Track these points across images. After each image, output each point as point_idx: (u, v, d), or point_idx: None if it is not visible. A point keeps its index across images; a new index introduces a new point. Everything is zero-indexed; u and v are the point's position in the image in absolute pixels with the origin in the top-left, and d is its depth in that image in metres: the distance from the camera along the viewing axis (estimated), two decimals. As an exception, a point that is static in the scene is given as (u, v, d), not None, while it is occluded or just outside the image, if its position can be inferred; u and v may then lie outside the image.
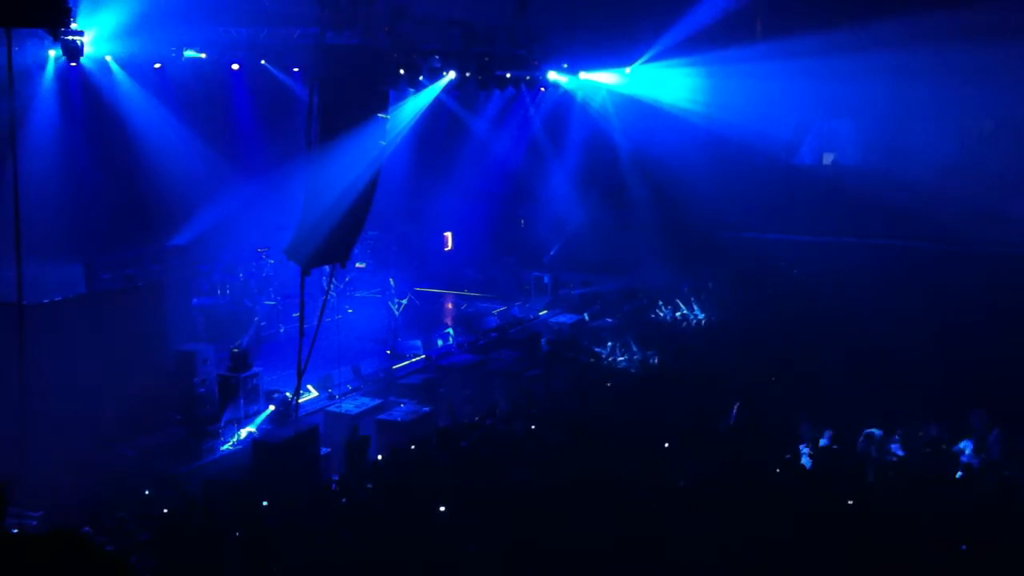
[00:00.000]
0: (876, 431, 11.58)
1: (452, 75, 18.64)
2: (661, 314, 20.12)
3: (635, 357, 17.34)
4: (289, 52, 16.68)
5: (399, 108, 18.65)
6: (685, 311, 20.07)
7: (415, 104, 19.35)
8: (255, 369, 14.90)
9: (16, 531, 8.21)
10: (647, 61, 23.04)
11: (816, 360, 15.31)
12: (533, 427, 13.02)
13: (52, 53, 14.69)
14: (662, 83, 23.51)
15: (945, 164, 21.85)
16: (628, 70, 23.43)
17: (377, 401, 15.37)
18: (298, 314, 14.58)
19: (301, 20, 15.68)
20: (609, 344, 18.16)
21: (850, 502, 9.70)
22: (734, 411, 12.69)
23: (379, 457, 12.82)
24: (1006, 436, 11.18)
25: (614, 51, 22.84)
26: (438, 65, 17.89)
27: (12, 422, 10.46)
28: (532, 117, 24.81)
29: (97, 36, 13.84)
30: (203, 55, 16.13)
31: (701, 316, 19.87)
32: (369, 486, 11.22)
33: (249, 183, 19.53)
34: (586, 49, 22.30)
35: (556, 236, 25.37)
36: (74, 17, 12.00)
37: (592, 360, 17.68)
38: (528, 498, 10.08)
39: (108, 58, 15.42)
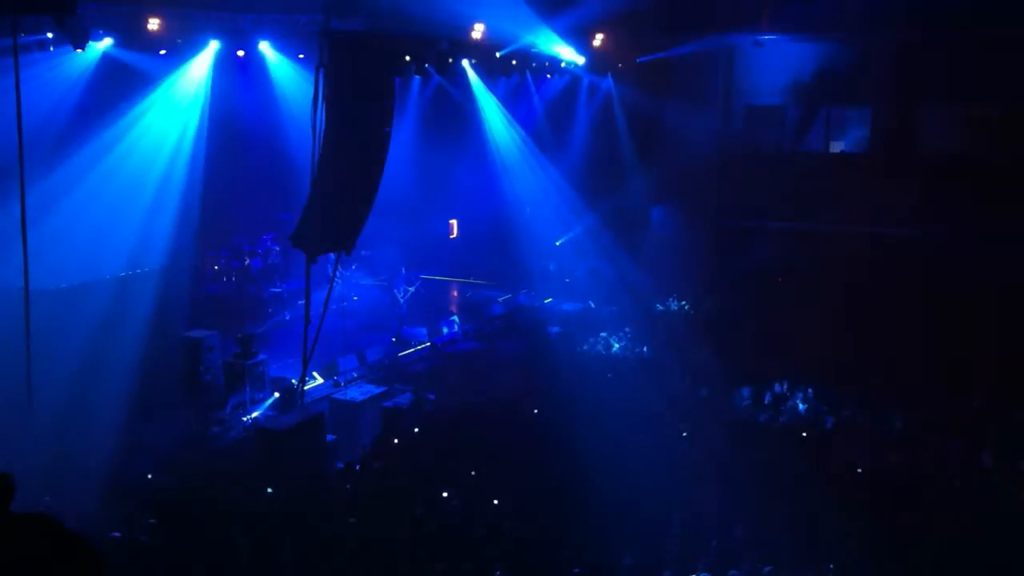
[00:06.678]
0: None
1: (466, 63, 18.62)
2: (660, 305, 20.13)
3: (638, 347, 17.34)
4: (295, 38, 16.60)
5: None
6: (685, 302, 20.04)
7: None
8: (261, 356, 14.93)
9: None
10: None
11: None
12: (536, 411, 13.11)
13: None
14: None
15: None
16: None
17: (382, 388, 15.40)
18: (304, 301, 14.59)
19: (306, 6, 15.60)
20: (607, 332, 18.17)
21: None
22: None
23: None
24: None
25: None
26: (445, 50, 17.78)
27: (19, 409, 10.50)
28: (537, 104, 24.66)
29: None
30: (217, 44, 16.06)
31: (702, 306, 19.85)
32: (376, 466, 11.27)
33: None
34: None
35: (563, 224, 25.27)
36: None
37: (594, 347, 17.68)
38: (533, 481, 10.13)
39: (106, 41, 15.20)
